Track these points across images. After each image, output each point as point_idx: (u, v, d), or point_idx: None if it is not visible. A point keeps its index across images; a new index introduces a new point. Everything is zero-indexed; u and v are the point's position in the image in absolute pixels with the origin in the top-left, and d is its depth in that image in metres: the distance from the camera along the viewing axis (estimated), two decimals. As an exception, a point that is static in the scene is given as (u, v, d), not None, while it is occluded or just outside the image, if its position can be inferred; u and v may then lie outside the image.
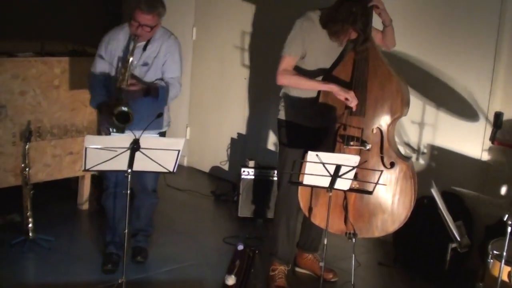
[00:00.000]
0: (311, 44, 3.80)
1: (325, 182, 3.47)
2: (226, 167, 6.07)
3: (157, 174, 4.21)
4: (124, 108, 3.74)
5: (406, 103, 3.74)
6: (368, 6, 3.68)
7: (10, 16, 5.81)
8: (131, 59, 3.77)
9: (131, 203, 3.57)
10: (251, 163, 5.20)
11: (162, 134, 4.14)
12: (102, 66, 4.00)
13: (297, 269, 4.36)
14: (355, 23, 3.64)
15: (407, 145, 4.77)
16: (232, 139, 5.99)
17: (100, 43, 4.01)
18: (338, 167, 3.41)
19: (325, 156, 3.42)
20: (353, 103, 3.67)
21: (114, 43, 3.95)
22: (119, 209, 4.11)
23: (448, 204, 3.67)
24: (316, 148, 3.60)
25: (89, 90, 4.14)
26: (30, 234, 4.35)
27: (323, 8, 3.80)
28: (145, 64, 3.93)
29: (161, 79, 4.00)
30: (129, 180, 3.42)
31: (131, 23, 3.84)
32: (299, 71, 3.84)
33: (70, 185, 5.21)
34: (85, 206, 5.08)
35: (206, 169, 6.29)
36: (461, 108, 4.50)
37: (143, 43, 3.92)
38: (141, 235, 4.37)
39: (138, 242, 4.35)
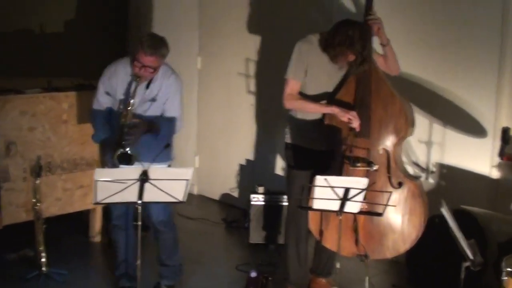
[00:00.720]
0: (311, 67, 3.84)
1: (334, 205, 3.47)
2: (236, 194, 6.07)
3: (163, 205, 4.11)
4: (124, 151, 3.72)
5: (410, 123, 3.75)
6: (367, 24, 3.73)
7: (16, 55, 5.89)
8: (132, 101, 3.78)
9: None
10: (261, 189, 5.20)
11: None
12: (103, 100, 3.99)
13: (311, 294, 4.34)
14: (352, 46, 3.68)
15: (416, 164, 4.76)
16: (241, 165, 6.00)
17: (101, 77, 4.00)
18: (347, 190, 3.42)
19: (334, 179, 3.43)
20: (355, 123, 3.69)
21: (114, 79, 3.94)
22: (125, 240, 4.07)
23: (460, 223, 3.64)
24: (324, 171, 3.61)
25: (91, 123, 4.12)
26: (44, 268, 4.36)
27: (324, 32, 3.84)
28: (148, 101, 3.92)
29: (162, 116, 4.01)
30: (139, 211, 3.45)
31: (134, 63, 3.82)
32: (303, 95, 3.86)
33: (81, 218, 5.23)
34: (97, 239, 5.09)
35: (216, 196, 6.29)
36: (468, 125, 4.50)
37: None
38: (163, 269, 4.22)
39: (162, 279, 4.20)
